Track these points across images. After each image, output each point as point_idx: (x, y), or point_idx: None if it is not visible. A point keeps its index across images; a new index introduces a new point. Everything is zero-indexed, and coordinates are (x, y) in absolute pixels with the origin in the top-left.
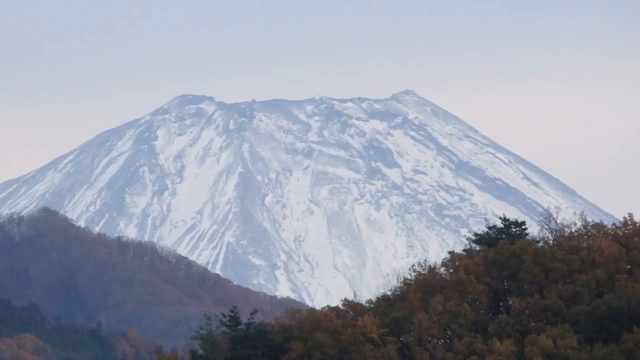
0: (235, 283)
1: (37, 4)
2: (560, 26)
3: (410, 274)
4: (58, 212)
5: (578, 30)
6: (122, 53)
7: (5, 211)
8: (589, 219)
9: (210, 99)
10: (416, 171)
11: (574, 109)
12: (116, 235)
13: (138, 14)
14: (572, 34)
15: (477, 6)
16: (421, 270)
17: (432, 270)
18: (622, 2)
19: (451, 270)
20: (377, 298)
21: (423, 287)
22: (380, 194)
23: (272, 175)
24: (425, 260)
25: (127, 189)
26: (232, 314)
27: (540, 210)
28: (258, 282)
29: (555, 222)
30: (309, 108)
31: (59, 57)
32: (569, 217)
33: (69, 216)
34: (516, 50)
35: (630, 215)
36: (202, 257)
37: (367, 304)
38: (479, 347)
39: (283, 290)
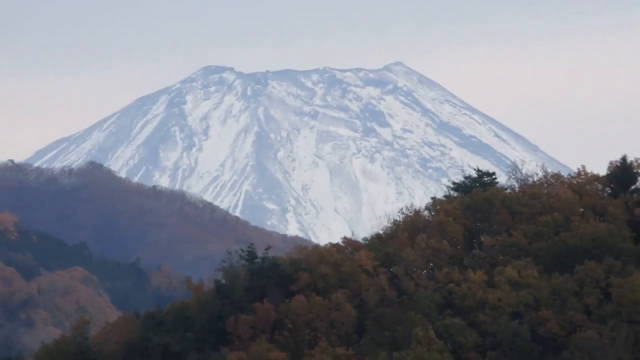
0: (252, 224)
1: None
2: None
3: (399, 216)
4: (102, 166)
5: None
6: (158, 27)
7: (58, 165)
8: (549, 170)
9: (231, 69)
10: (404, 130)
11: (538, 73)
12: (152, 184)
13: None
14: None
15: None
16: (408, 213)
17: (417, 213)
18: None
19: (433, 213)
20: (372, 236)
21: (410, 227)
22: (374, 149)
23: (284, 134)
24: (412, 205)
25: (161, 146)
26: (249, 249)
27: (508, 162)
28: (271, 223)
29: (521, 173)
30: (315, 77)
31: (108, 31)
32: (532, 168)
33: (112, 169)
34: (486, 18)
35: (583, 167)
36: (224, 202)
37: (363, 241)
38: (456, 276)
39: (292, 230)
